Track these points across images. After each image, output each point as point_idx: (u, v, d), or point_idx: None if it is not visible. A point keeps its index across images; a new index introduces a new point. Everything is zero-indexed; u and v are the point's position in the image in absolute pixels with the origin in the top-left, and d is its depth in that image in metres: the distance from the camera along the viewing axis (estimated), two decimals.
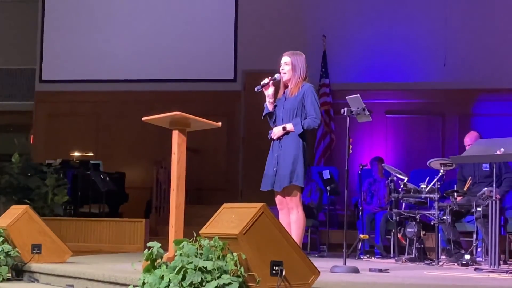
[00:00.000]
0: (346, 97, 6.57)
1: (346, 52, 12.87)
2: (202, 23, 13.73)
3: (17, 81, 15.87)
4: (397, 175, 8.49)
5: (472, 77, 12.34)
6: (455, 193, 7.88)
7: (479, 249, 8.00)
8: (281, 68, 6.30)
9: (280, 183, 6.09)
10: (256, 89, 6.36)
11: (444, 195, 7.96)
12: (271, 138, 6.27)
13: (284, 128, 6.14)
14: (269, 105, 6.34)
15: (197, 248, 4.19)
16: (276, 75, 6.31)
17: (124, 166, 13.35)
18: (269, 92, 6.31)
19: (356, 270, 5.92)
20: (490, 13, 12.49)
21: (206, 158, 13.15)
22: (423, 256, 7.87)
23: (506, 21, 12.42)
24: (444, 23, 12.45)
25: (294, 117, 6.15)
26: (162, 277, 4.19)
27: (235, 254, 4.12)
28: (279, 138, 6.18)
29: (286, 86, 6.33)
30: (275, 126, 6.27)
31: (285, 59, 6.30)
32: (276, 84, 6.35)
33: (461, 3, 12.60)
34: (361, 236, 8.89)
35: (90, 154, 13.95)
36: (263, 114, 6.40)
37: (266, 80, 6.30)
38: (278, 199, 6.21)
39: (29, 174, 11.28)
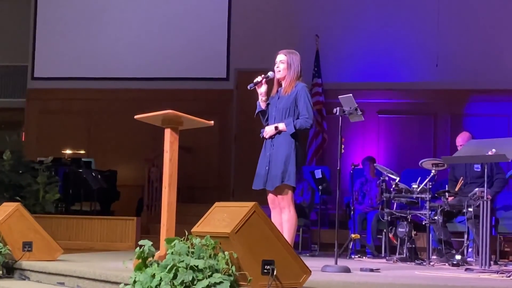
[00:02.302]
0: (339, 96, 6.58)
1: (338, 51, 12.88)
2: (195, 22, 13.71)
3: (9, 78, 15.82)
4: (389, 175, 8.50)
5: (464, 77, 12.37)
6: (447, 194, 7.89)
7: (470, 250, 8.02)
8: (276, 66, 6.29)
9: (272, 182, 6.09)
10: (248, 87, 6.35)
11: (436, 195, 7.97)
12: (263, 137, 6.27)
13: (276, 128, 6.13)
14: (261, 103, 6.34)
15: (188, 247, 4.19)
16: (270, 73, 6.30)
17: (116, 164, 13.32)
18: (261, 90, 6.30)
19: (347, 270, 5.93)
20: (482, 14, 12.52)
21: (198, 157, 13.15)
22: (414, 256, 7.89)
23: (498, 22, 12.45)
24: (436, 23, 12.47)
25: (287, 117, 6.14)
26: (153, 276, 4.18)
27: (226, 253, 4.12)
28: (271, 137, 6.18)
29: (279, 85, 6.33)
30: (268, 124, 6.27)
31: (281, 57, 6.29)
32: (269, 82, 6.34)
33: (453, 4, 12.63)
34: (353, 235, 8.90)
35: (82, 151, 13.94)
36: (256, 112, 6.40)
37: (259, 78, 6.29)
38: (270, 198, 6.21)
39: (20, 172, 11.26)
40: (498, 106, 12.33)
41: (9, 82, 15.80)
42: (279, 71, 6.27)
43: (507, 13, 12.45)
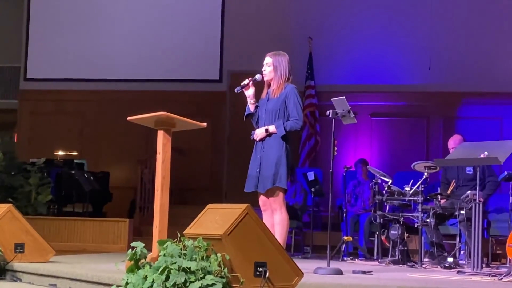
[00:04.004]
0: (332, 99, 6.58)
1: (331, 54, 12.90)
2: (189, 24, 13.71)
3: (2, 79, 15.78)
4: (382, 177, 8.50)
5: (457, 80, 12.40)
6: (439, 196, 7.90)
7: (462, 252, 8.03)
8: (263, 69, 6.31)
9: (263, 185, 6.08)
10: (235, 90, 6.37)
11: (428, 197, 7.98)
12: (253, 139, 6.27)
13: (266, 130, 6.13)
14: (250, 106, 6.35)
15: (181, 249, 4.19)
16: (257, 76, 6.31)
17: (108, 166, 13.30)
18: (249, 92, 6.31)
19: (339, 272, 5.93)
20: (475, 17, 12.55)
21: (191, 159, 13.13)
22: (407, 258, 7.89)
23: (491, 26, 12.48)
24: (429, 26, 12.50)
25: (277, 118, 6.14)
26: (145, 277, 4.18)
27: (219, 254, 4.12)
28: (261, 140, 6.18)
29: (269, 87, 6.34)
30: (258, 127, 6.27)
31: (267, 59, 6.31)
32: (258, 84, 6.34)
33: (446, 7, 12.65)
34: (345, 238, 8.91)
35: (75, 153, 13.90)
36: (244, 115, 6.41)
37: (246, 81, 6.30)
38: (262, 200, 6.21)
39: (12, 173, 11.22)
40: (490, 109, 12.36)
41: (1, 83, 15.78)
42: (266, 74, 6.28)
43: (500, 17, 12.49)
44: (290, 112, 6.14)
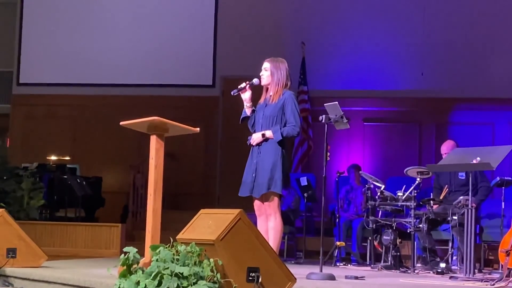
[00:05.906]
0: (325, 104, 6.59)
1: (325, 59, 12.90)
2: (182, 29, 13.70)
3: None
4: (374, 182, 8.51)
5: (449, 86, 12.42)
6: (431, 201, 7.91)
7: (454, 258, 8.04)
8: (260, 73, 6.32)
9: (259, 190, 6.09)
10: (232, 93, 6.37)
11: (421, 203, 7.99)
12: (250, 144, 6.27)
13: (263, 135, 6.14)
14: (246, 109, 6.36)
15: (173, 254, 4.19)
16: (254, 80, 6.32)
17: (101, 171, 13.27)
18: (245, 96, 6.32)
19: (332, 277, 5.93)
20: (467, 22, 12.58)
21: (184, 164, 13.12)
22: (399, 263, 7.90)
23: (483, 31, 12.51)
24: (422, 32, 12.52)
25: (274, 124, 6.15)
26: (138, 283, 4.17)
27: (211, 260, 4.12)
28: (258, 145, 6.19)
29: (267, 92, 6.34)
30: (254, 131, 6.28)
31: (265, 64, 6.32)
32: (256, 89, 6.35)
33: (439, 13, 12.68)
34: (338, 243, 8.91)
35: (67, 158, 13.87)
36: (240, 118, 6.41)
37: (243, 84, 6.32)
38: (257, 205, 6.21)
39: (5, 178, 11.20)
40: (483, 114, 12.39)
41: None
42: (263, 78, 6.29)
43: (492, 22, 12.52)
44: (288, 118, 6.15)
